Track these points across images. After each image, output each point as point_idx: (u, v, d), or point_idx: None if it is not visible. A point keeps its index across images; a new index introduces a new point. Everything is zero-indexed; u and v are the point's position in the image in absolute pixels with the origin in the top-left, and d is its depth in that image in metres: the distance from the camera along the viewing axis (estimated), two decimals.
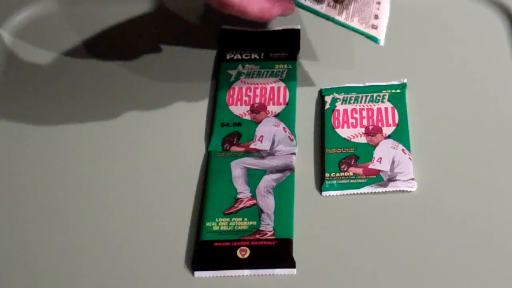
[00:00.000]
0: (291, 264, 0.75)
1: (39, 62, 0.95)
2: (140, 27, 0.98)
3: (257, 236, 0.77)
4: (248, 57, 0.92)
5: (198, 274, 0.75)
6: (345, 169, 0.81)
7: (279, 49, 0.92)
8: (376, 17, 0.82)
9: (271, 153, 0.83)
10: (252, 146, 0.84)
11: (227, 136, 0.84)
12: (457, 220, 0.78)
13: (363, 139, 0.84)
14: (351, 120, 0.85)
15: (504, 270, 0.74)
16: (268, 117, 0.86)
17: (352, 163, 0.82)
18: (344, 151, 0.83)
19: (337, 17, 0.82)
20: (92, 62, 0.93)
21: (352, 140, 0.84)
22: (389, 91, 0.87)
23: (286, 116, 0.86)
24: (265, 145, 0.83)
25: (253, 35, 0.94)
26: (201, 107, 0.88)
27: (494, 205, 0.79)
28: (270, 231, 0.77)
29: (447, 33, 0.94)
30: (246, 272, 0.75)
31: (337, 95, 0.87)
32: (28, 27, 0.99)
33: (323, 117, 0.86)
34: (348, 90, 0.88)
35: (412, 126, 0.84)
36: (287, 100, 0.87)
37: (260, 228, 0.77)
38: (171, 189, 0.82)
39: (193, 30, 0.97)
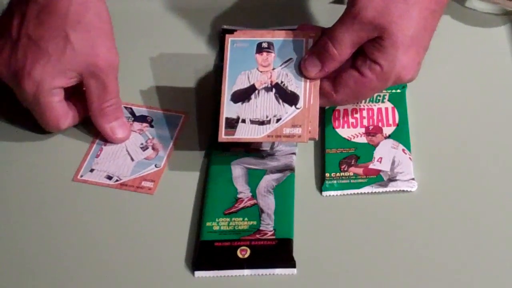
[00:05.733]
0: (291, 264, 0.75)
1: None
2: (141, 27, 0.98)
3: (258, 236, 0.77)
4: None
5: (198, 274, 0.75)
6: (345, 169, 0.81)
7: None
8: None
9: (271, 153, 0.83)
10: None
11: None
12: (457, 220, 0.78)
13: (363, 139, 0.84)
14: (351, 120, 0.85)
15: (504, 270, 0.74)
16: None
17: (353, 163, 0.82)
18: (344, 151, 0.83)
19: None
20: None
21: (352, 140, 0.84)
22: (390, 91, 0.87)
23: None
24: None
25: None
26: (201, 106, 0.88)
27: (494, 205, 0.79)
28: (270, 231, 0.77)
29: (447, 33, 0.94)
30: (246, 272, 0.75)
31: None
32: None
33: (323, 117, 0.86)
34: None
35: (412, 126, 0.84)
36: None
37: (260, 228, 0.77)
38: (172, 188, 0.82)
39: (193, 30, 0.97)
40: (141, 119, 0.87)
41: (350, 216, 0.79)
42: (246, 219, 0.78)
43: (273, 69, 0.82)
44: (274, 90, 0.81)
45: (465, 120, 0.86)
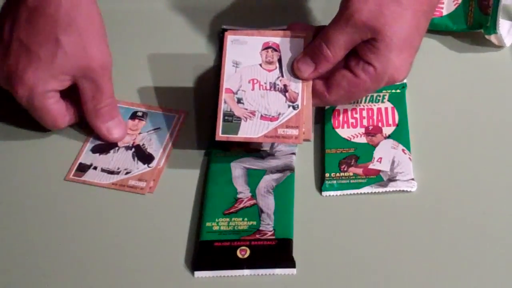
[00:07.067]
0: (291, 264, 0.75)
1: None
2: (140, 27, 0.98)
3: (257, 236, 0.77)
4: None
5: (198, 274, 0.75)
6: (345, 169, 0.81)
7: None
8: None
9: (271, 153, 0.83)
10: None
11: None
12: (457, 220, 0.78)
13: (363, 139, 0.84)
14: (351, 120, 0.85)
15: (504, 270, 0.74)
16: None
17: (352, 163, 0.82)
18: (344, 151, 0.83)
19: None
20: None
21: (352, 140, 0.84)
22: (389, 91, 0.87)
23: None
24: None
25: None
26: (200, 106, 0.88)
27: (494, 205, 0.79)
28: (270, 231, 0.77)
29: (446, 34, 0.94)
30: (246, 272, 0.75)
31: None
32: None
33: (323, 117, 0.86)
34: None
35: (412, 126, 0.84)
36: None
37: (260, 228, 0.77)
38: (171, 188, 0.82)
39: (192, 29, 0.97)
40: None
41: (350, 216, 0.79)
42: (245, 219, 0.78)
43: (140, 133, 0.85)
44: (133, 149, 0.84)
45: (465, 120, 0.86)
